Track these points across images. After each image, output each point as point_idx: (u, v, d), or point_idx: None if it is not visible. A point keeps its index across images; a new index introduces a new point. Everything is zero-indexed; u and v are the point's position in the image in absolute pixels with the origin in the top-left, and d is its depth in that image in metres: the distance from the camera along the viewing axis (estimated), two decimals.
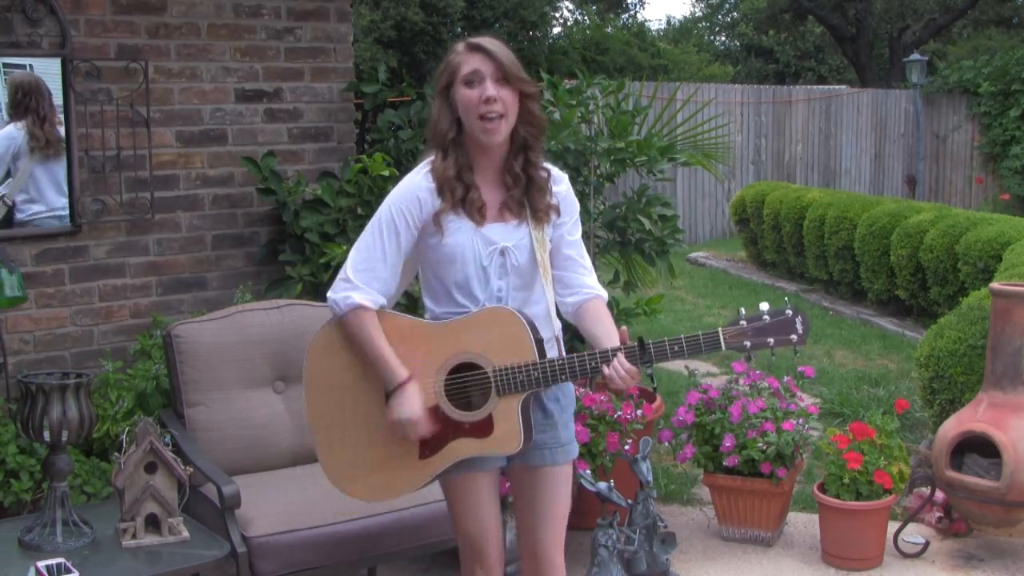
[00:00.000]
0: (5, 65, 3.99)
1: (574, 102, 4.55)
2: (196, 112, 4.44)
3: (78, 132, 4.12)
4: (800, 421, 4.16)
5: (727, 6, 29.44)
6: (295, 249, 4.48)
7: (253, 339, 3.69)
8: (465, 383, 2.58)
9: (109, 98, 4.18)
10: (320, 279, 4.33)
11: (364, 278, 2.59)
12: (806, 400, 4.54)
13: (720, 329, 2.50)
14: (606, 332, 2.61)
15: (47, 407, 3.03)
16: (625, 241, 4.61)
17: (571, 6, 25.08)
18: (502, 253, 2.61)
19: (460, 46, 2.59)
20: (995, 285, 4.17)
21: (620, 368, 2.49)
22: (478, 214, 2.58)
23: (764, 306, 2.52)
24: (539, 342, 2.56)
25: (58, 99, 4.08)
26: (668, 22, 41.09)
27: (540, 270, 2.62)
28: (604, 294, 2.73)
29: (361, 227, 4.38)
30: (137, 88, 4.24)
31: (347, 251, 4.20)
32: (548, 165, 2.71)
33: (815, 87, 18.72)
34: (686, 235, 6.65)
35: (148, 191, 4.32)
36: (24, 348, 4.11)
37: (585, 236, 3.07)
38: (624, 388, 2.56)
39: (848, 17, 21.36)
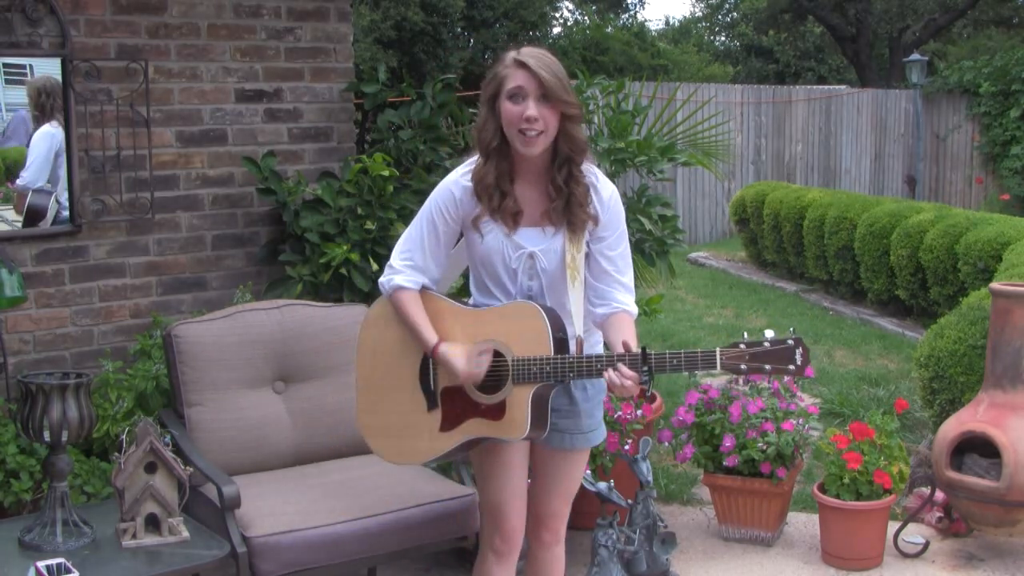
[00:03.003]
0: (5, 65, 4.00)
1: None
2: (196, 112, 4.44)
3: (78, 132, 4.12)
4: (800, 421, 4.16)
5: (727, 6, 29.44)
6: (295, 249, 4.48)
7: (253, 339, 3.68)
8: (488, 368, 2.74)
9: (109, 98, 4.18)
10: (320, 279, 4.33)
11: (404, 264, 2.83)
12: (806, 400, 4.54)
13: (718, 349, 2.60)
14: (619, 341, 2.74)
15: (47, 407, 3.03)
16: None
17: (571, 6, 25.15)
18: (530, 257, 2.76)
19: (509, 58, 2.69)
20: (995, 285, 4.17)
21: (623, 374, 2.61)
22: (511, 220, 2.75)
23: (768, 333, 2.63)
24: (559, 340, 2.69)
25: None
26: (667, 22, 41.13)
27: (568, 272, 2.75)
28: (634, 311, 2.84)
29: (361, 227, 4.44)
30: (137, 88, 4.24)
31: (347, 251, 4.27)
32: (597, 173, 2.81)
33: (815, 87, 18.73)
34: (686, 235, 6.65)
35: (148, 191, 4.32)
36: (24, 348, 4.11)
37: None
38: (625, 395, 2.65)
39: (848, 17, 21.36)
